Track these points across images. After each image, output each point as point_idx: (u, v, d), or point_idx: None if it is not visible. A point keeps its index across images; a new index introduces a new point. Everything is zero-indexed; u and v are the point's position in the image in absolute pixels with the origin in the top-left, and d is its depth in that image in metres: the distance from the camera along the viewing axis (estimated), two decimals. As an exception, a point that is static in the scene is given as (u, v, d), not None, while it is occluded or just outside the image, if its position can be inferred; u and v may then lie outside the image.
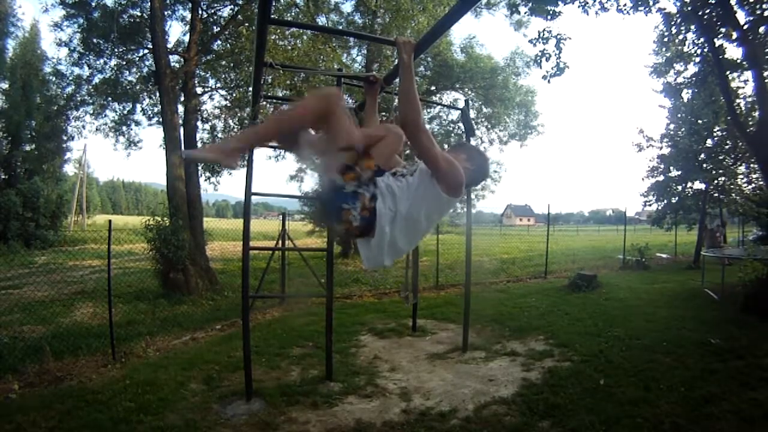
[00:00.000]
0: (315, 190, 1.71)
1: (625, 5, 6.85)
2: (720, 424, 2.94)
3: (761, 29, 6.51)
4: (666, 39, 8.20)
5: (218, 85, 11.57)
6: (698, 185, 12.52)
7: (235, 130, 11.41)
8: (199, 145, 10.63)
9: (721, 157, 12.04)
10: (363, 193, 1.53)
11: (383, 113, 2.33)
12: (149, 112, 11.26)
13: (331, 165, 1.56)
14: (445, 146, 11.61)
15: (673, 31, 7.79)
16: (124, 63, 10.83)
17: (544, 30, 6.77)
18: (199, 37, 9.67)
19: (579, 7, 6.76)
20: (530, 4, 6.73)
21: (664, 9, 7.45)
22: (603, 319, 5.84)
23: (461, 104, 10.20)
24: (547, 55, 6.84)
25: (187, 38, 10.00)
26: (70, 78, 10.94)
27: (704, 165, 11.95)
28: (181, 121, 9.49)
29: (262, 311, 6.83)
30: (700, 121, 11.61)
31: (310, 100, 1.64)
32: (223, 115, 11.43)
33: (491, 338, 5.21)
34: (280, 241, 6.96)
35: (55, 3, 9.79)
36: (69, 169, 22.76)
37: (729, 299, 6.50)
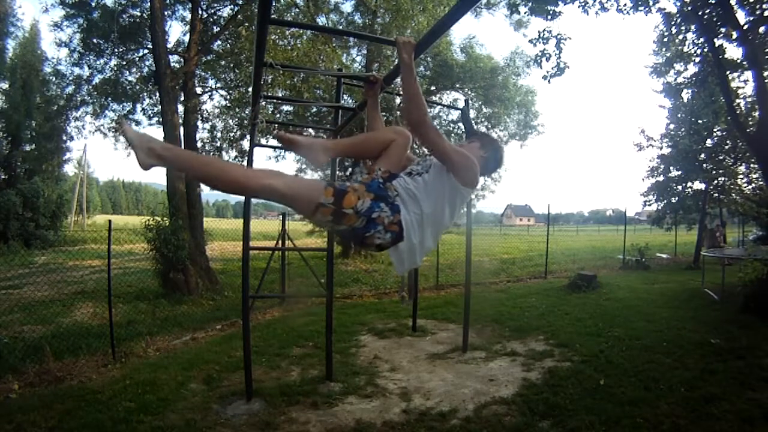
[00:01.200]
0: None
1: (625, 5, 6.85)
2: (720, 424, 2.94)
3: (761, 29, 6.51)
4: (666, 39, 8.20)
5: (218, 85, 11.60)
6: (698, 185, 12.53)
7: (235, 129, 11.43)
8: (199, 144, 10.65)
9: (721, 157, 12.04)
10: (378, 214, 1.48)
11: (382, 113, 2.33)
12: (149, 112, 11.29)
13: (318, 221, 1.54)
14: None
15: (673, 31, 7.78)
16: (124, 63, 10.85)
17: (544, 30, 6.78)
18: (199, 37, 9.68)
19: (579, 7, 6.77)
20: (530, 4, 6.73)
21: (664, 9, 7.47)
22: (603, 319, 5.83)
23: (461, 104, 10.22)
24: (547, 55, 6.84)
25: (187, 38, 10.04)
26: (70, 78, 10.98)
27: (704, 165, 11.94)
28: (181, 121, 9.50)
29: (262, 311, 6.83)
30: (700, 121, 11.60)
31: (246, 183, 1.48)
32: (222, 115, 11.45)
33: (491, 338, 5.21)
34: (280, 241, 6.97)
35: (55, 3, 9.82)
36: (69, 169, 22.82)
37: (729, 299, 6.49)
